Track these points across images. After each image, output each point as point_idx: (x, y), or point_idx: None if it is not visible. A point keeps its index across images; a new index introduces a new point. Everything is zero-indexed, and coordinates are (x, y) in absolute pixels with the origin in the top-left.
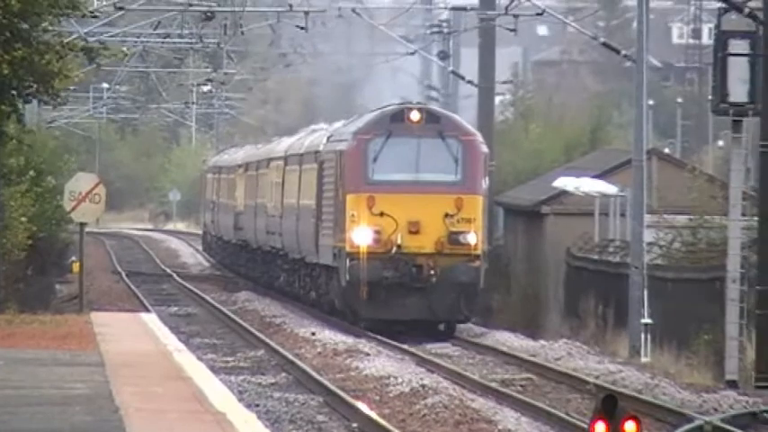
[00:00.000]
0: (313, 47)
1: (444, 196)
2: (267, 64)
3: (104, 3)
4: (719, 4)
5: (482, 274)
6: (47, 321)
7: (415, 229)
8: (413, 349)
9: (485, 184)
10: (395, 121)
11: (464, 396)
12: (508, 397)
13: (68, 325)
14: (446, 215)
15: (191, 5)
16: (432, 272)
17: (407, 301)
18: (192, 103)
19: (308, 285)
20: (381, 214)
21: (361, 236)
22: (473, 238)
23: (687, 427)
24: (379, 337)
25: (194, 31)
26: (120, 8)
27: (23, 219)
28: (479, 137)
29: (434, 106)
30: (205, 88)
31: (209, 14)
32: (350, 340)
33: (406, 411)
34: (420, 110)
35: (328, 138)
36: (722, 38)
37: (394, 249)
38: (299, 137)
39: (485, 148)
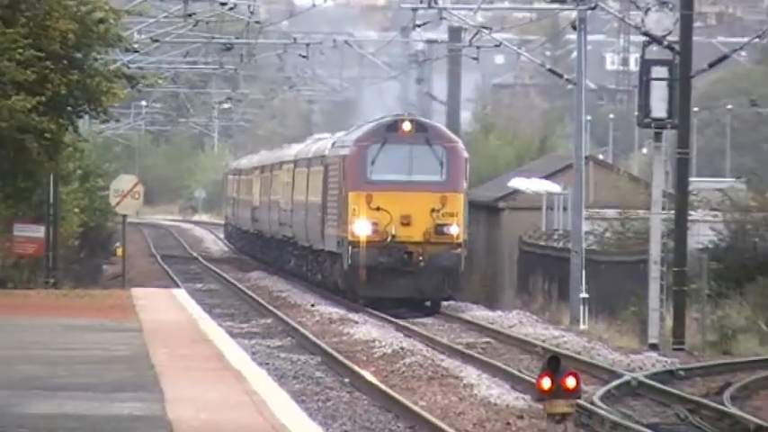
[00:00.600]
0: (312, 72)
1: (431, 194)
2: (275, 86)
3: (143, 36)
4: (644, 38)
5: (462, 260)
6: (96, 295)
7: (406, 222)
8: (393, 318)
9: (465, 183)
10: (389, 130)
11: (435, 357)
12: (471, 357)
13: (113, 298)
14: (432, 210)
15: (213, 38)
16: (420, 258)
17: (400, 282)
18: (215, 117)
19: (314, 268)
20: (378, 209)
21: (361, 227)
22: (455, 229)
23: (617, 382)
24: (368, 309)
25: (216, 59)
26: (156, 41)
27: (76, 210)
28: (460, 144)
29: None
30: (225, 105)
31: (228, 46)
32: (342, 311)
33: (388, 369)
34: (411, 121)
35: (333, 144)
36: (646, 65)
37: (389, 238)
38: (306, 144)
39: (465, 154)
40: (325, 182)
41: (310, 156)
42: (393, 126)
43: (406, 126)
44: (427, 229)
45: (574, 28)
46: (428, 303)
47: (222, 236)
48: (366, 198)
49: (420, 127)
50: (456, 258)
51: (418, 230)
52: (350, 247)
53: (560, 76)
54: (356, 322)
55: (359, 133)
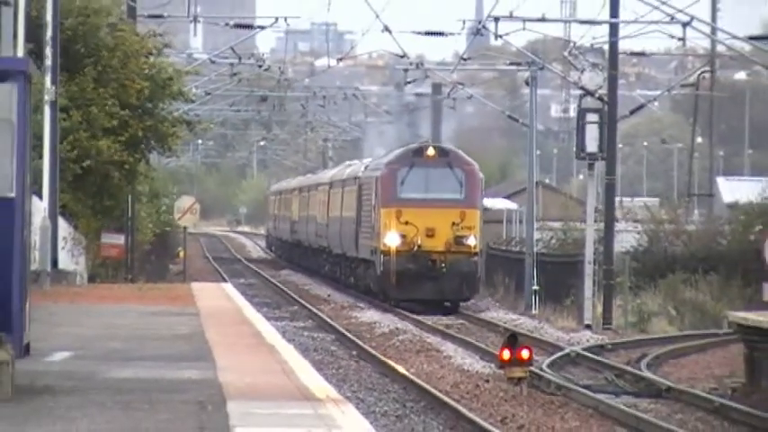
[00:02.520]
0: (328, 117)
1: (452, 210)
2: (299, 128)
3: (199, 90)
4: (581, 92)
5: (479, 266)
6: (163, 288)
7: (430, 234)
8: (389, 306)
9: (481, 200)
10: (416, 155)
11: (422, 335)
12: (449, 335)
13: (176, 290)
14: (453, 223)
15: (252, 92)
16: (443, 265)
17: (425, 285)
18: (253, 152)
19: (347, 272)
20: (406, 223)
21: (392, 238)
22: (473, 240)
23: (560, 353)
24: (369, 299)
25: (254, 107)
26: (208, 93)
27: (150, 225)
28: (477, 166)
29: None
30: (261, 143)
31: (264, 97)
32: (351, 300)
33: (386, 344)
34: (434, 147)
35: (365, 167)
36: (582, 112)
37: (415, 248)
38: (339, 169)
39: (481, 175)
40: (359, 199)
41: (344, 178)
42: (419, 151)
43: (430, 151)
44: (448, 240)
45: (527, 84)
46: (447, 304)
47: (261, 244)
48: (396, 213)
49: (442, 152)
50: (473, 265)
51: (441, 241)
52: (382, 256)
53: (517, 120)
54: (362, 308)
55: (390, 158)
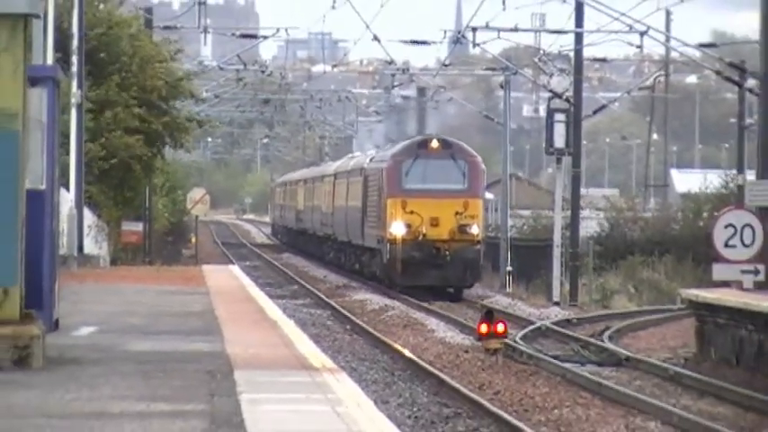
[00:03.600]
0: (323, 117)
1: (455, 200)
2: (298, 127)
3: (208, 93)
4: (549, 94)
5: (481, 254)
6: (177, 270)
7: (435, 223)
8: (377, 285)
9: (483, 190)
10: (420, 147)
11: (409, 311)
12: (433, 311)
13: (189, 272)
14: (456, 213)
15: (256, 95)
16: (447, 252)
17: (429, 272)
18: (257, 149)
19: (352, 259)
20: (411, 212)
21: (397, 227)
22: (476, 229)
23: (531, 327)
24: (362, 280)
25: (258, 108)
26: (217, 96)
27: (165, 214)
28: (479, 158)
29: None
30: (264, 141)
31: (266, 100)
32: (344, 280)
33: (376, 319)
34: (438, 139)
35: (371, 159)
36: (551, 112)
37: (420, 237)
38: (343, 161)
39: (483, 166)
40: (364, 190)
41: (349, 169)
42: (423, 144)
43: (434, 144)
44: (452, 229)
45: (501, 87)
46: (451, 290)
47: (265, 230)
48: (401, 203)
49: (446, 144)
50: (476, 253)
51: (445, 230)
52: (388, 244)
53: (492, 119)
54: (354, 288)
55: (395, 150)
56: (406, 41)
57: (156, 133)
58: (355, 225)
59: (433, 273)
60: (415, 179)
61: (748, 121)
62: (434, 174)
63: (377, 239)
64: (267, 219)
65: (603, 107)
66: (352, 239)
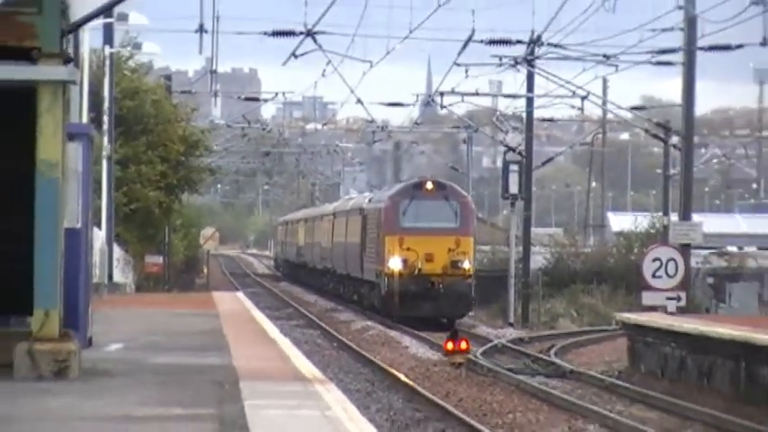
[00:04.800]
0: (315, 167)
1: (448, 237)
2: (293, 175)
3: (219, 147)
4: (505, 148)
5: (472, 287)
6: (191, 296)
7: (429, 258)
8: (361, 310)
9: (474, 228)
10: (416, 188)
11: (386, 331)
12: (407, 331)
13: (202, 297)
14: (449, 249)
15: (258, 148)
16: (440, 286)
17: (424, 304)
18: (259, 194)
19: (350, 291)
20: (408, 249)
21: (395, 263)
22: (467, 264)
23: (490, 344)
24: (346, 304)
25: (260, 160)
26: (225, 149)
27: (182, 249)
28: (470, 198)
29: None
30: (265, 187)
31: (266, 152)
32: (332, 305)
33: (359, 338)
34: (432, 182)
35: (369, 200)
36: (506, 163)
37: (416, 271)
38: (341, 202)
39: (473, 206)
40: (363, 227)
41: (348, 209)
42: (419, 185)
43: (429, 185)
44: (445, 264)
45: (464, 142)
46: (444, 321)
47: (265, 263)
48: (399, 240)
49: (439, 186)
50: (467, 286)
51: (438, 265)
52: (386, 278)
53: (457, 170)
54: (340, 311)
55: (392, 191)
56: (384, 103)
57: (174, 185)
58: (354, 259)
59: (427, 305)
60: (412, 218)
61: (672, 171)
62: (429, 213)
63: (375, 273)
64: (267, 252)
65: (550, 159)
66: (350, 272)
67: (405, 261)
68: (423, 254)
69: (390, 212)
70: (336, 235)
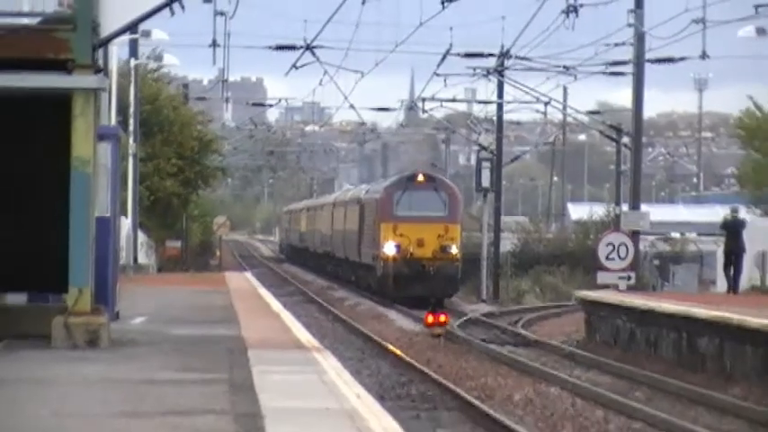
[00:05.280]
0: (313, 163)
1: (438, 224)
2: (294, 171)
3: (229, 147)
4: (478, 147)
5: (459, 270)
6: (206, 276)
7: (420, 244)
8: (352, 287)
9: (461, 216)
10: (409, 180)
11: (375, 306)
12: (394, 307)
13: (215, 277)
14: (439, 235)
15: (264, 148)
16: (431, 269)
17: (416, 285)
18: (265, 187)
19: (348, 273)
20: (401, 235)
21: (389, 248)
22: (454, 249)
23: (465, 318)
24: (340, 283)
25: (266, 158)
26: (235, 148)
27: (198, 235)
28: (457, 189)
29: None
30: (270, 181)
31: (271, 151)
32: (328, 284)
33: (352, 312)
34: (423, 174)
35: (366, 191)
36: (479, 161)
37: (408, 255)
38: (339, 193)
39: (461, 197)
40: (361, 216)
41: (347, 199)
42: (411, 177)
43: (420, 178)
44: (435, 249)
45: (443, 142)
46: (434, 300)
47: (270, 246)
48: (393, 227)
49: (430, 178)
50: (455, 269)
51: (429, 250)
52: (381, 262)
53: (436, 166)
54: (336, 289)
55: (387, 183)
56: (373, 108)
57: (190, 179)
58: (352, 245)
59: (419, 286)
60: (405, 207)
61: (623, 167)
62: (420, 203)
63: (372, 257)
64: (272, 238)
65: (518, 157)
66: (348, 256)
67: (398, 246)
68: (415, 239)
69: (385, 202)
70: (336, 223)
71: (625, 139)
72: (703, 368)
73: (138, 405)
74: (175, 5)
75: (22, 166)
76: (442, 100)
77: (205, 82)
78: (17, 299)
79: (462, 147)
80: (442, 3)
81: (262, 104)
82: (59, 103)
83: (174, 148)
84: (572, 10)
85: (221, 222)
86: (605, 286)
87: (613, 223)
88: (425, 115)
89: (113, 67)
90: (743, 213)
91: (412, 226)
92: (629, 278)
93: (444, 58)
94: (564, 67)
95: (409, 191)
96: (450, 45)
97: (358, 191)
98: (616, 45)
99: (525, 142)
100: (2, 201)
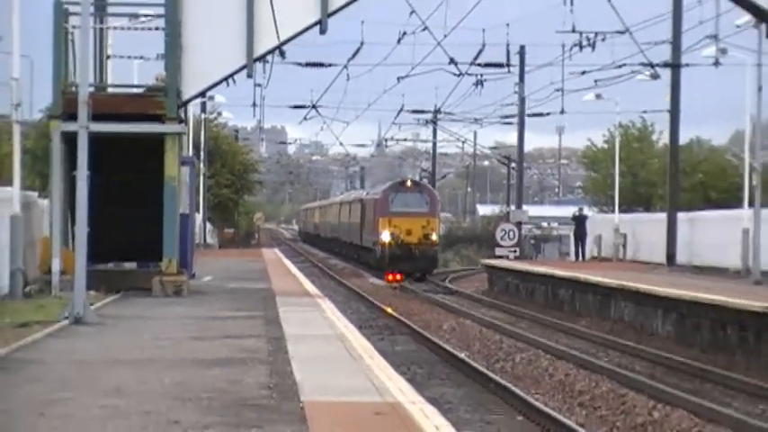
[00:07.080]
0: (317, 180)
1: (421, 218)
2: (305, 185)
3: (264, 169)
4: (421, 169)
5: (438, 252)
6: (250, 251)
7: (409, 233)
8: (350, 261)
9: (438, 212)
10: (400, 185)
11: (357, 268)
12: (368, 270)
13: (254, 252)
14: (422, 226)
15: (286, 170)
16: (417, 251)
17: (406, 264)
18: (286, 194)
19: (352, 253)
20: (394, 226)
21: (385, 235)
22: (434, 236)
23: (412, 277)
24: (339, 256)
25: (286, 177)
26: (268, 170)
27: (243, 224)
28: (436, 191)
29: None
30: (290, 191)
31: (290, 172)
32: (327, 256)
33: (341, 273)
34: (411, 180)
35: (366, 193)
36: (422, 177)
37: (400, 241)
38: (344, 196)
39: (439, 197)
40: (362, 212)
41: (351, 200)
42: (402, 183)
43: (409, 183)
44: (420, 237)
45: (399, 166)
46: (418, 275)
47: (290, 233)
48: (388, 220)
49: (416, 183)
50: (435, 251)
51: (415, 237)
52: (379, 246)
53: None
54: (332, 259)
55: (384, 187)
56: (355, 144)
57: (239, 189)
58: (355, 232)
59: (407, 264)
60: (397, 205)
61: (511, 182)
62: (409, 202)
63: (372, 242)
64: (294, 227)
65: (445, 176)
66: (353, 241)
67: (392, 234)
68: (404, 229)
69: (382, 201)
70: (342, 216)
71: (513, 164)
72: (562, 309)
73: (206, 332)
74: (230, 80)
75: (139, 182)
76: (398, 139)
77: (248, 128)
78: (130, 265)
79: (412, 169)
80: (398, 79)
81: (284, 143)
82: (159, 142)
83: (228, 169)
84: (479, 83)
85: (259, 216)
86: (501, 257)
87: (505, 217)
88: (388, 149)
89: (191, 118)
90: (586, 211)
91: (403, 219)
92: (515, 252)
93: (399, 112)
94: (475, 118)
95: (401, 193)
96: (403, 105)
97: (359, 194)
98: (507, 105)
99: (450, 166)
100: (126, 203)
